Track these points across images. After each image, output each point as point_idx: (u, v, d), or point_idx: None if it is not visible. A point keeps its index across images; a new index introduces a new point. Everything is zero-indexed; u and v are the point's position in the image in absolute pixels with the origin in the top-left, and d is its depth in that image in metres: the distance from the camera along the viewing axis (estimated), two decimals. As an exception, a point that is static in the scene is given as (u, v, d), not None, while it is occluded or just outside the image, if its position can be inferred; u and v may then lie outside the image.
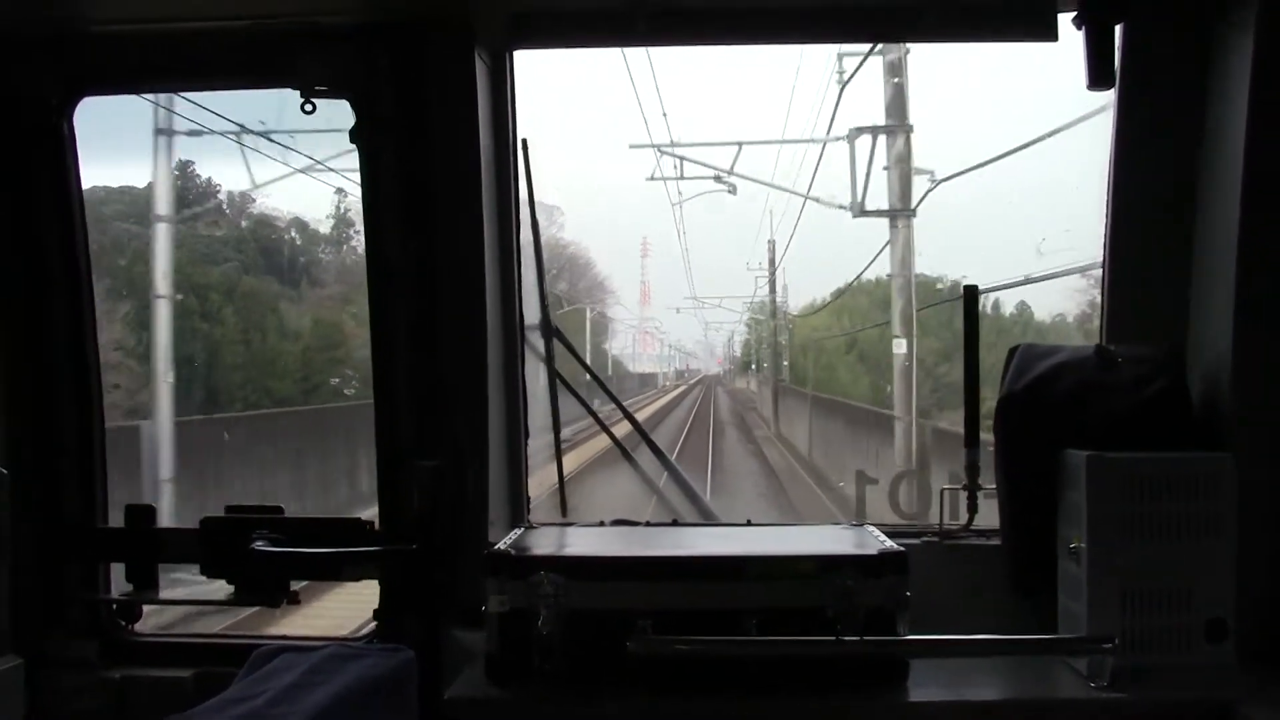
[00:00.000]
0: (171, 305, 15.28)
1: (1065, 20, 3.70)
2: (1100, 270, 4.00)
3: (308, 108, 3.89)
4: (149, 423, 14.69)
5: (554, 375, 4.37)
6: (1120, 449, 3.35)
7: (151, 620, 4.26)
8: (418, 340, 3.89)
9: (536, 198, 4.16)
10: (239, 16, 3.82)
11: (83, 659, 3.95)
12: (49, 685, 3.78)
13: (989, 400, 3.75)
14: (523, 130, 4.16)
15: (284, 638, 4.02)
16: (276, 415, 17.76)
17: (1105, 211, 3.93)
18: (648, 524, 4.11)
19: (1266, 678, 3.32)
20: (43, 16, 3.86)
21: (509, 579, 3.35)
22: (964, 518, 3.94)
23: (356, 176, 3.94)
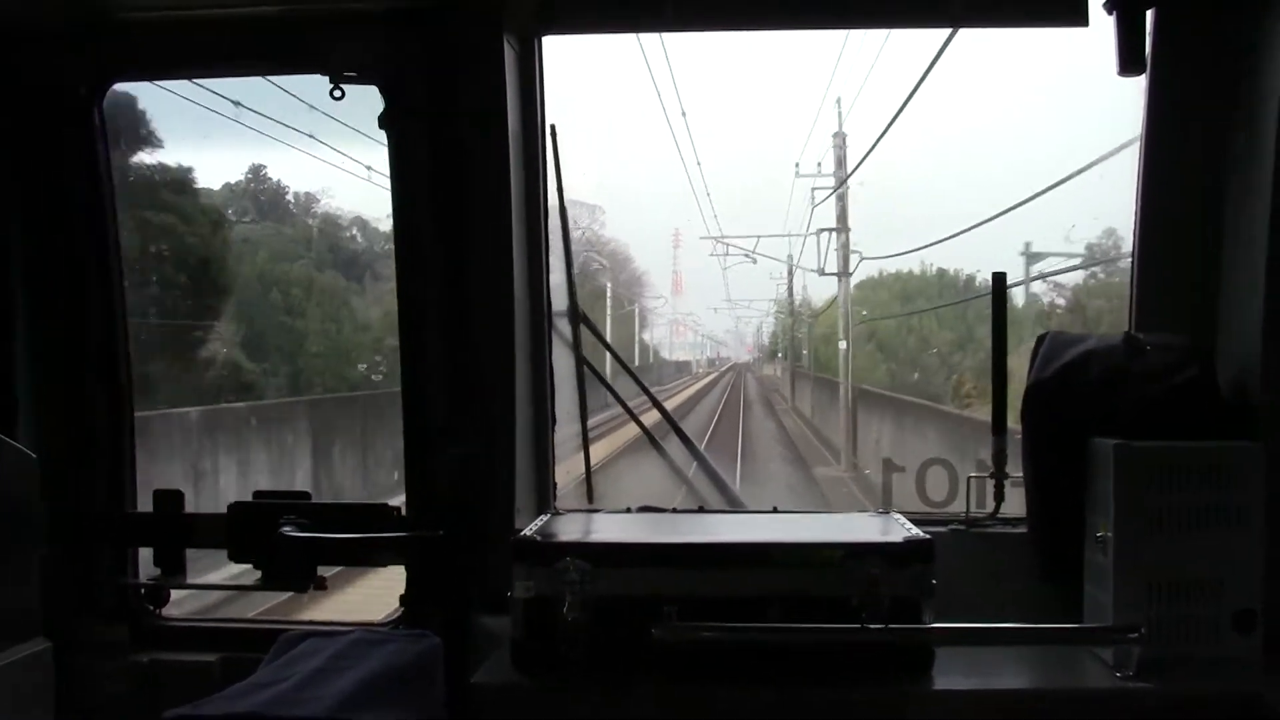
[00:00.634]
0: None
1: (1095, 5, 3.67)
2: (1130, 259, 3.98)
3: (336, 94, 3.90)
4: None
5: (581, 362, 4.37)
6: (1148, 437, 3.33)
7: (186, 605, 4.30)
8: (446, 327, 3.89)
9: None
10: (267, 2, 3.83)
11: (111, 643, 3.98)
12: (78, 669, 3.80)
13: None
14: (555, 119, 4.16)
15: (310, 623, 4.04)
16: (354, 398, 18.21)
17: (1135, 198, 3.91)
18: (674, 511, 4.11)
19: None
20: (71, 4, 3.87)
21: (535, 565, 3.35)
22: (990, 506, 3.93)
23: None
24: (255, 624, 4.42)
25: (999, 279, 3.97)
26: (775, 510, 4.04)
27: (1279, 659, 3.31)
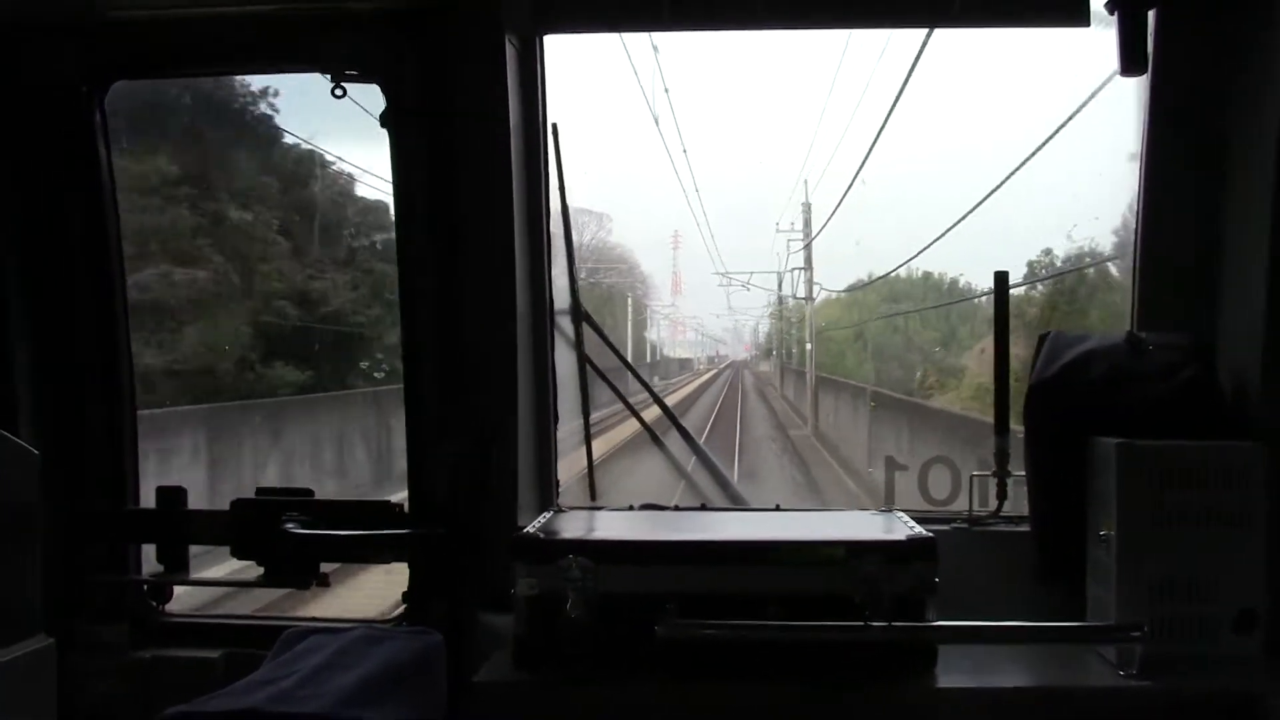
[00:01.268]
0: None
1: (1097, 4, 3.67)
2: (1131, 259, 3.98)
3: (338, 93, 3.90)
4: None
5: (583, 360, 4.37)
6: (1150, 437, 3.33)
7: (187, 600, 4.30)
8: (448, 324, 3.89)
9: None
10: (268, 1, 3.83)
11: (113, 639, 3.98)
12: (80, 665, 3.81)
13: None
14: (563, 124, 4.16)
15: (313, 619, 4.04)
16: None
17: (1137, 197, 3.91)
18: (676, 508, 4.11)
19: None
20: (72, 2, 3.87)
21: (537, 563, 3.35)
22: (993, 504, 3.94)
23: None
24: (258, 620, 4.41)
25: (1001, 278, 3.96)
26: (777, 508, 4.03)
27: (1279, 658, 3.31)
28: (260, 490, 4.01)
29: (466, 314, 3.90)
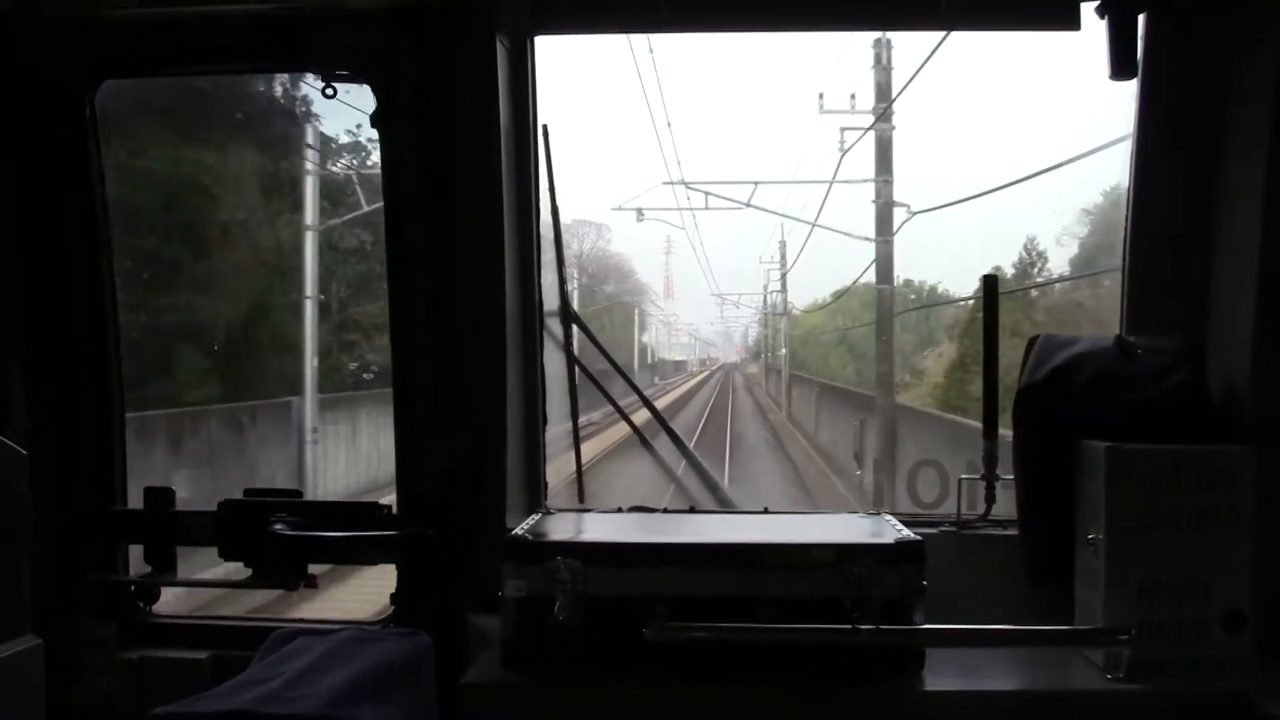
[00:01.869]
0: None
1: (1088, 9, 3.68)
2: (1120, 263, 3.99)
3: (329, 92, 3.90)
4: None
5: (573, 362, 4.37)
6: (1139, 440, 3.33)
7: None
8: (437, 325, 3.89)
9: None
10: (260, 0, 3.82)
11: (101, 640, 3.97)
12: (68, 666, 3.79)
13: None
14: (549, 122, 4.16)
15: (301, 621, 4.03)
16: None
17: (1126, 202, 3.91)
18: (665, 511, 4.12)
19: None
20: (64, 0, 3.87)
21: (526, 564, 3.36)
22: (981, 507, 3.94)
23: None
24: (246, 621, 4.40)
25: (990, 282, 3.97)
26: (766, 510, 4.04)
27: (1268, 660, 3.32)
28: (248, 491, 4.00)
29: (456, 315, 3.90)
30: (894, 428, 13.22)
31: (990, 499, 3.92)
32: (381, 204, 4.01)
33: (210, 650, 3.92)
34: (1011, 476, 3.77)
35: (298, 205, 16.17)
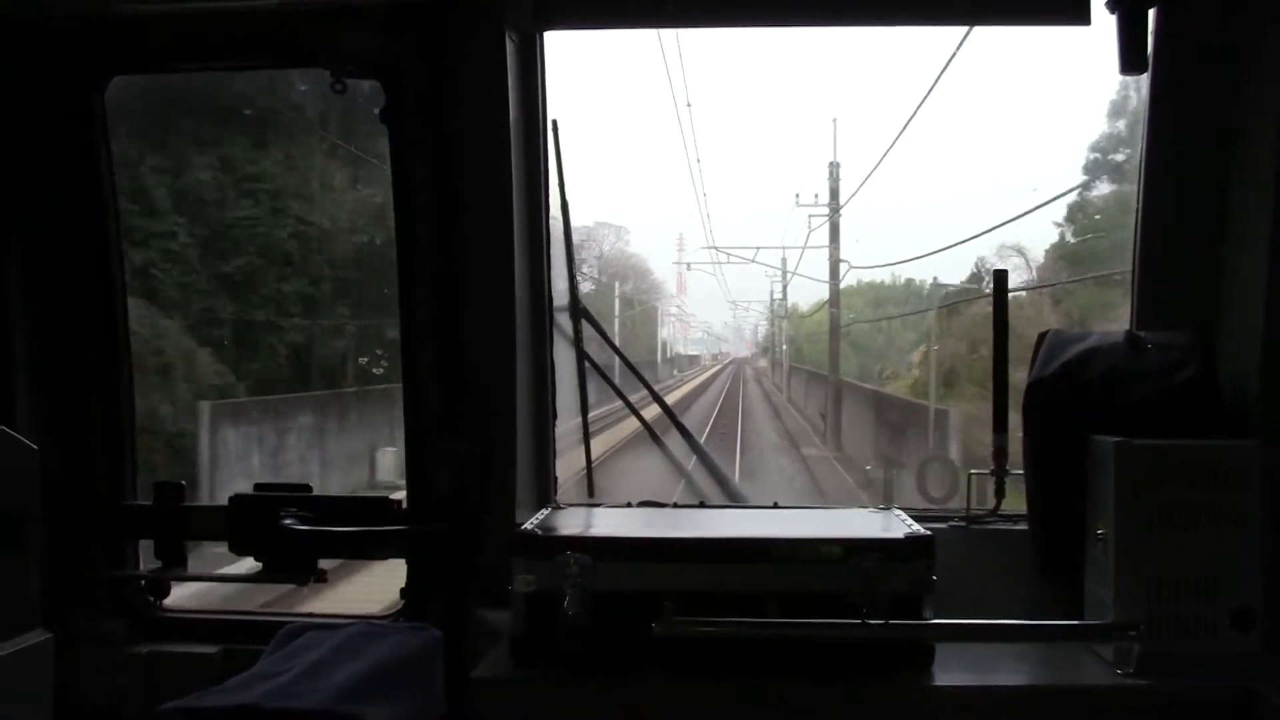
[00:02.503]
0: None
1: (1098, 4, 3.67)
2: (1131, 258, 3.98)
3: (338, 88, 3.90)
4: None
5: (582, 357, 4.37)
6: (1149, 435, 3.33)
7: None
8: (447, 321, 3.89)
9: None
10: None
11: (111, 635, 3.98)
12: (78, 661, 3.80)
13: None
14: (559, 116, 4.16)
15: (311, 615, 4.04)
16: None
17: (1136, 197, 3.91)
18: (674, 505, 4.11)
19: None
20: None
21: (535, 559, 3.35)
22: (991, 502, 3.94)
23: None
24: (256, 616, 4.42)
25: (1000, 277, 3.96)
26: (776, 505, 4.03)
27: (1277, 656, 3.31)
28: (259, 486, 4.01)
29: (466, 311, 3.90)
30: (840, 395, 23.45)
31: (1000, 494, 3.92)
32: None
33: (220, 645, 3.93)
34: (1021, 471, 3.77)
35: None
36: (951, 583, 3.36)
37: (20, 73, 3.92)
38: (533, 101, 4.08)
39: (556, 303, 4.24)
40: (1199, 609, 3.30)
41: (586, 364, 4.39)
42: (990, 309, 3.91)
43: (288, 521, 3.83)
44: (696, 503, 4.26)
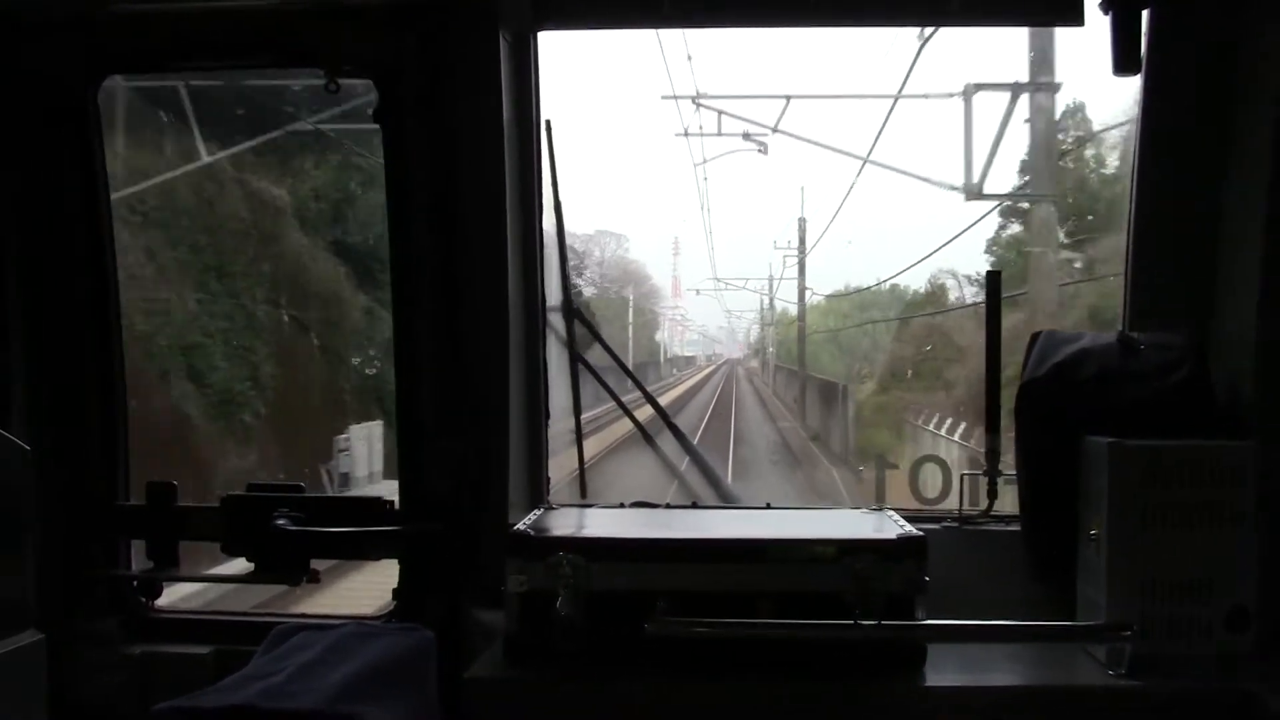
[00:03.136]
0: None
1: (1091, 4, 3.67)
2: (1124, 258, 3.98)
3: (332, 88, 3.89)
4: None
5: (575, 357, 4.37)
6: (1142, 436, 3.32)
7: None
8: (440, 320, 3.89)
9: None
10: None
11: (104, 635, 3.98)
12: (71, 661, 3.80)
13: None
14: (552, 116, 4.16)
15: (304, 616, 4.04)
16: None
17: (1130, 197, 3.91)
18: (667, 506, 4.11)
19: None
20: None
21: (529, 560, 3.35)
22: (984, 503, 3.94)
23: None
24: (249, 617, 4.41)
25: (993, 277, 3.97)
26: (769, 506, 4.03)
27: (1271, 657, 3.31)
28: (251, 486, 4.00)
29: (459, 310, 3.90)
30: (805, 384, 29.48)
31: (992, 494, 3.92)
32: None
33: (213, 645, 3.92)
34: (1014, 472, 3.77)
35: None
36: (944, 583, 3.37)
37: (16, 71, 3.92)
38: (527, 102, 4.07)
39: (549, 302, 4.24)
40: (1193, 610, 3.30)
41: (580, 365, 4.38)
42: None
43: (280, 522, 3.83)
44: (689, 503, 4.26)
